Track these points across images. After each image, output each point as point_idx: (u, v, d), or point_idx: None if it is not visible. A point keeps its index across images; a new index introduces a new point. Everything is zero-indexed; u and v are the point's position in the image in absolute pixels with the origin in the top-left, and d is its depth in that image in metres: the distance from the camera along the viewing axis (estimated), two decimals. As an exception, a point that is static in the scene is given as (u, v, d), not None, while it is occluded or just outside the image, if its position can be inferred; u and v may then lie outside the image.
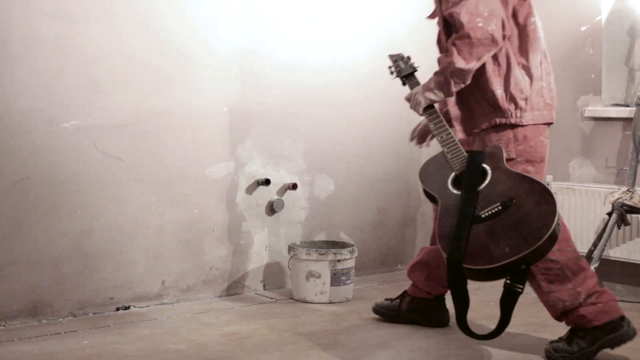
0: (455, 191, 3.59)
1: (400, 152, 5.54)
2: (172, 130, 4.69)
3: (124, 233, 4.56)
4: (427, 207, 5.62)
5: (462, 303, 3.50)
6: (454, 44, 3.63)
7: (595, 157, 5.05)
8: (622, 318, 3.72)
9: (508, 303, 3.51)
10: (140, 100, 4.57)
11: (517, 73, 3.74)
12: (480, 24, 3.57)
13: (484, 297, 4.84)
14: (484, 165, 3.60)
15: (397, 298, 4.37)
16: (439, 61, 3.72)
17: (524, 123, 3.75)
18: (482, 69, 3.71)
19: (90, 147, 4.43)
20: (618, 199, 4.56)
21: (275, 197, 5.06)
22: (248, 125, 4.96)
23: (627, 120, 4.85)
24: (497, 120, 3.76)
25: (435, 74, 3.72)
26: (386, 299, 4.43)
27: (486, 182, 3.55)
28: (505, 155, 3.66)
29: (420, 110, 3.76)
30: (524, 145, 3.76)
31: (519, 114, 3.75)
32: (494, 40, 3.60)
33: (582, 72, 5.10)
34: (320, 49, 5.20)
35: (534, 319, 4.35)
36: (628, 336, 3.70)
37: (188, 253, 4.78)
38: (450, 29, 3.78)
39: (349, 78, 5.29)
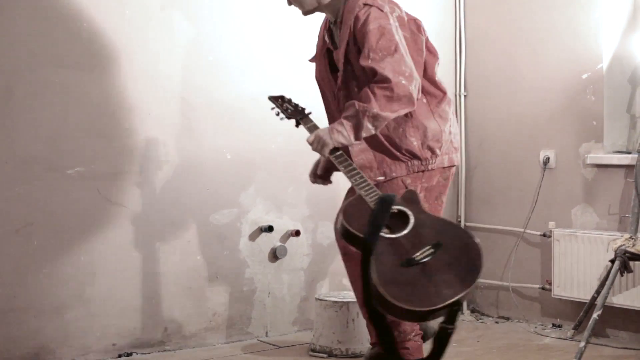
0: (386, 234, 3.48)
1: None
2: (175, 177, 4.71)
3: (126, 279, 4.57)
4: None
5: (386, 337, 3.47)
6: (373, 92, 3.67)
7: (598, 204, 5.06)
8: None
9: (442, 342, 3.42)
10: (143, 147, 4.61)
11: (433, 124, 3.87)
12: (403, 82, 3.67)
13: (487, 343, 4.83)
14: (405, 209, 3.56)
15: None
16: (350, 106, 3.70)
17: (436, 167, 3.89)
18: (399, 120, 3.81)
19: (93, 194, 4.45)
20: (621, 246, 4.56)
21: (278, 243, 5.07)
22: (251, 172, 4.98)
23: (629, 167, 4.86)
24: (415, 168, 3.87)
25: (346, 117, 3.70)
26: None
27: (410, 225, 3.49)
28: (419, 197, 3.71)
29: (327, 152, 3.73)
30: (428, 183, 3.87)
31: (434, 160, 3.88)
32: (411, 100, 3.70)
33: (584, 120, 5.12)
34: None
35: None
36: None
37: (191, 299, 4.78)
38: (361, 78, 3.85)
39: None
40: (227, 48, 4.88)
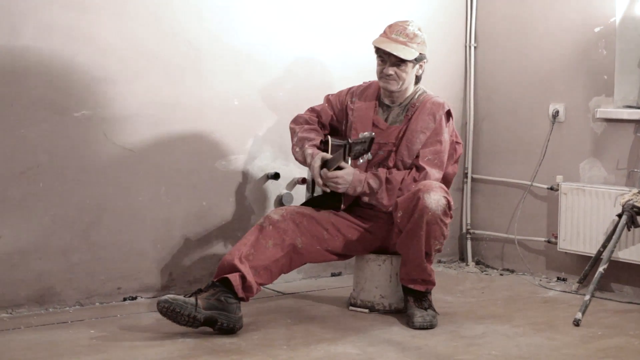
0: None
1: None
2: (182, 122, 4.69)
3: (132, 224, 4.57)
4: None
5: None
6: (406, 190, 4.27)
7: (606, 158, 5.03)
8: None
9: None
10: (151, 91, 4.58)
11: None
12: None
13: (491, 295, 4.84)
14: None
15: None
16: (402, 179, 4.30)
17: None
18: None
19: (100, 137, 4.44)
20: (628, 200, 4.54)
21: (285, 191, 5.06)
22: (259, 119, 4.96)
23: (638, 122, 4.83)
24: None
25: (372, 186, 4.29)
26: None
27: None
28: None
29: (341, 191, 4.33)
30: None
31: None
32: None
33: (594, 74, 5.08)
34: (331, 45, 5.19)
35: (541, 318, 4.34)
36: None
37: (196, 245, 4.78)
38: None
39: (358, 73, 5.26)
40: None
